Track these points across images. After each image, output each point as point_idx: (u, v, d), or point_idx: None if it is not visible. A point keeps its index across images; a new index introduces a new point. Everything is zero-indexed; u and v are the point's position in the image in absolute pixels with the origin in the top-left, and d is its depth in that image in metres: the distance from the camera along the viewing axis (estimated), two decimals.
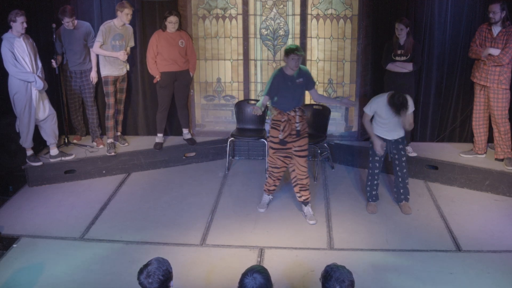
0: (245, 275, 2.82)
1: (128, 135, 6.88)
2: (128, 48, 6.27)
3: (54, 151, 6.08)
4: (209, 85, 6.91)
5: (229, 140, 6.43)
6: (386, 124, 5.08)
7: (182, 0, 6.47)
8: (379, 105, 5.02)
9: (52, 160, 6.07)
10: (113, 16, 6.07)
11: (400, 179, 5.33)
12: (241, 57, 6.76)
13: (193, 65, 6.44)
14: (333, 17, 6.51)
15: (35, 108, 5.74)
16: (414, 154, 6.12)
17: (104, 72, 6.16)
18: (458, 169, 5.87)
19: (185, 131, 6.67)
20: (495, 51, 5.44)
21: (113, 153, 6.27)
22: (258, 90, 6.90)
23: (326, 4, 6.49)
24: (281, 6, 6.58)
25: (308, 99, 6.73)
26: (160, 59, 6.21)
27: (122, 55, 6.08)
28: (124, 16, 5.96)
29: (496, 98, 5.59)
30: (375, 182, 5.33)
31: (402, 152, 5.21)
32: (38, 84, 5.62)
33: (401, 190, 5.38)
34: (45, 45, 6.28)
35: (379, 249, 4.69)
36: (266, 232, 5.03)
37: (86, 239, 4.91)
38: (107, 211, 5.47)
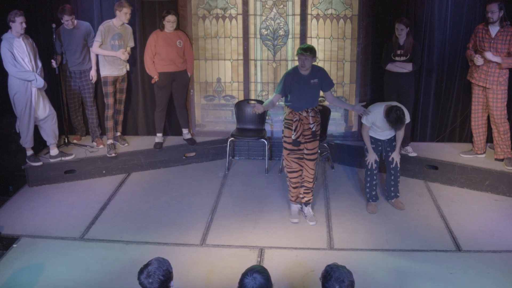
0: (245, 275, 2.82)
1: (128, 135, 6.88)
2: (129, 48, 6.27)
3: (54, 151, 6.08)
4: (209, 85, 6.91)
5: (229, 140, 6.43)
6: (380, 131, 5.21)
7: (182, 0, 6.47)
8: (376, 117, 5.08)
9: (52, 160, 6.07)
10: (113, 16, 6.06)
11: (392, 177, 5.38)
12: (241, 57, 6.76)
13: (191, 65, 6.44)
14: (333, 17, 6.51)
15: (34, 107, 5.74)
16: (414, 154, 6.12)
17: (103, 73, 6.16)
18: (458, 169, 5.87)
19: (185, 131, 6.67)
20: (495, 58, 5.41)
21: (113, 155, 6.27)
22: (258, 90, 6.90)
23: (326, 4, 6.49)
24: (281, 6, 6.58)
25: None
26: (158, 59, 6.21)
27: (122, 54, 6.07)
28: (123, 15, 5.96)
29: (495, 99, 5.59)
30: (374, 182, 5.35)
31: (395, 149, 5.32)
32: (38, 82, 5.62)
33: (392, 188, 5.43)
34: (45, 45, 6.29)
35: (379, 249, 4.69)
36: (266, 232, 5.03)
37: (86, 239, 4.91)
38: (107, 211, 5.47)
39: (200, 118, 6.98)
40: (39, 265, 4.44)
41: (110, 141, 6.36)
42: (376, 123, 5.12)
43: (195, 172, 6.42)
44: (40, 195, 5.83)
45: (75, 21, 6.14)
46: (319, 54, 6.64)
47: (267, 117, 6.71)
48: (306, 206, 5.24)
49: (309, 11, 6.52)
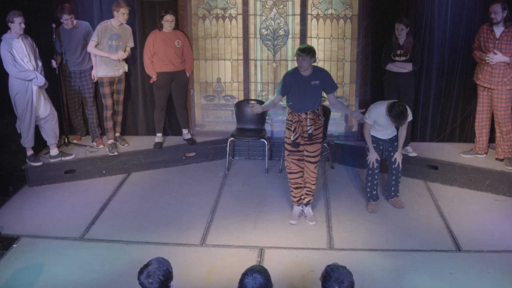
0: (245, 275, 2.82)
1: (128, 135, 6.88)
2: (129, 48, 6.27)
3: (54, 151, 6.08)
4: (209, 85, 6.91)
5: (229, 140, 6.43)
6: (382, 130, 5.21)
7: (182, 0, 6.47)
8: (378, 114, 5.08)
9: (52, 160, 6.07)
10: (113, 16, 6.06)
11: (394, 177, 5.39)
12: (241, 57, 6.76)
13: (189, 65, 6.44)
14: (333, 17, 6.51)
15: (35, 107, 5.74)
16: (414, 154, 6.12)
17: (99, 73, 6.15)
18: (458, 169, 5.87)
19: (185, 131, 6.67)
20: (503, 58, 5.39)
21: (115, 153, 6.28)
22: (258, 90, 6.90)
23: (326, 4, 6.49)
24: (281, 6, 6.58)
25: None
26: (156, 59, 6.22)
27: (115, 56, 6.05)
28: (120, 15, 5.95)
29: (500, 99, 5.58)
30: (375, 181, 5.35)
31: (397, 149, 5.31)
32: (39, 80, 5.62)
33: (393, 188, 5.44)
34: (45, 45, 6.29)
35: (379, 249, 4.69)
36: (266, 232, 5.03)
37: (86, 239, 4.91)
38: (107, 211, 5.47)
39: (200, 118, 6.98)
40: (39, 265, 4.44)
41: (111, 141, 6.36)
42: (378, 121, 5.11)
43: (195, 172, 6.42)
44: (40, 195, 5.83)
45: (75, 21, 6.14)
46: (319, 54, 6.63)
47: (267, 117, 6.71)
48: (306, 206, 5.24)
49: (309, 11, 6.52)
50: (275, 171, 6.43)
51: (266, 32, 6.68)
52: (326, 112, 6.30)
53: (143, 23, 6.51)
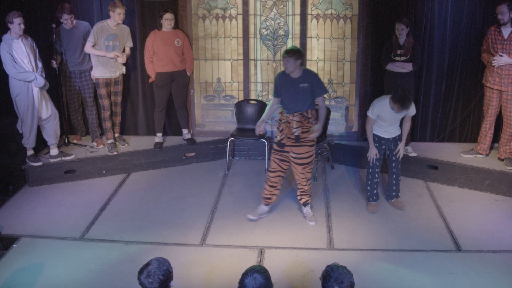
0: (245, 275, 2.82)
1: (128, 135, 6.89)
2: (127, 49, 6.26)
3: (54, 151, 6.08)
4: (209, 85, 6.91)
5: (229, 140, 6.43)
6: (386, 126, 5.16)
7: (182, 0, 6.47)
8: (382, 108, 5.04)
9: (52, 160, 6.07)
10: None
11: (394, 176, 5.39)
12: (241, 57, 6.76)
13: (190, 64, 6.44)
14: (333, 17, 6.51)
15: (37, 108, 5.74)
16: (414, 154, 6.12)
17: (95, 74, 6.15)
18: (458, 169, 5.87)
19: (185, 131, 6.67)
20: (510, 60, 5.38)
21: (115, 153, 6.28)
22: (258, 90, 6.90)
23: (326, 4, 6.49)
24: (281, 6, 6.58)
25: None
26: (156, 59, 6.21)
27: (112, 54, 6.04)
28: (116, 15, 5.94)
29: (510, 100, 5.56)
30: (375, 181, 5.34)
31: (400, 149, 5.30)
32: (39, 81, 5.62)
33: (394, 187, 5.44)
34: (45, 45, 6.29)
35: (379, 249, 4.69)
36: (266, 232, 5.03)
37: (86, 239, 4.91)
38: (107, 211, 5.47)
39: (200, 118, 6.98)
40: (39, 265, 4.44)
41: (110, 141, 6.37)
42: (382, 116, 5.07)
43: (195, 172, 6.42)
44: (40, 195, 5.83)
45: (74, 21, 6.14)
46: (319, 54, 6.64)
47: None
48: (304, 207, 5.24)
49: (309, 11, 6.52)
50: None
51: (266, 32, 6.69)
52: (326, 112, 6.29)
53: (143, 23, 6.51)
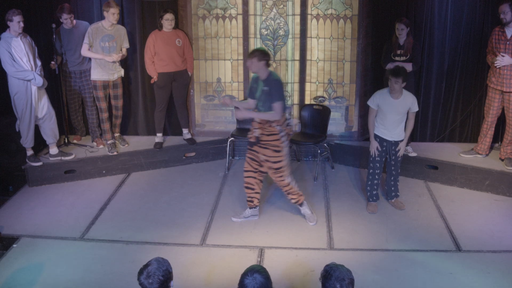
0: (245, 275, 2.82)
1: (128, 135, 6.89)
2: (124, 49, 6.24)
3: (53, 150, 6.08)
4: (209, 85, 6.91)
5: (229, 140, 6.43)
6: (388, 124, 5.12)
7: (182, 0, 6.47)
8: (382, 97, 5.06)
9: (51, 159, 6.07)
10: None
11: (393, 177, 5.40)
12: (241, 57, 6.75)
13: (190, 64, 6.44)
14: (333, 17, 6.51)
15: (35, 107, 5.74)
16: (414, 154, 6.12)
17: (93, 76, 6.13)
18: (458, 169, 5.87)
19: (185, 131, 6.67)
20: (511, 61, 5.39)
21: (115, 153, 6.28)
22: None
23: (326, 4, 6.49)
24: (281, 6, 6.58)
25: (308, 99, 6.75)
26: (157, 59, 6.21)
27: (110, 58, 6.02)
28: (110, 16, 5.91)
29: None
30: (376, 181, 5.34)
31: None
32: (37, 81, 5.61)
33: (392, 188, 5.44)
34: (45, 45, 6.28)
35: (379, 249, 4.69)
36: (266, 232, 5.03)
37: (86, 239, 4.91)
38: (107, 211, 5.47)
39: (200, 118, 6.98)
40: (39, 265, 4.44)
41: (110, 141, 6.36)
42: (382, 106, 5.08)
43: (195, 172, 6.42)
44: (40, 195, 5.83)
45: (74, 21, 6.14)
46: (319, 54, 6.64)
47: None
48: (300, 207, 5.22)
49: (309, 11, 6.52)
50: None
51: (266, 32, 6.68)
52: (326, 112, 6.30)
53: (143, 24, 6.51)
